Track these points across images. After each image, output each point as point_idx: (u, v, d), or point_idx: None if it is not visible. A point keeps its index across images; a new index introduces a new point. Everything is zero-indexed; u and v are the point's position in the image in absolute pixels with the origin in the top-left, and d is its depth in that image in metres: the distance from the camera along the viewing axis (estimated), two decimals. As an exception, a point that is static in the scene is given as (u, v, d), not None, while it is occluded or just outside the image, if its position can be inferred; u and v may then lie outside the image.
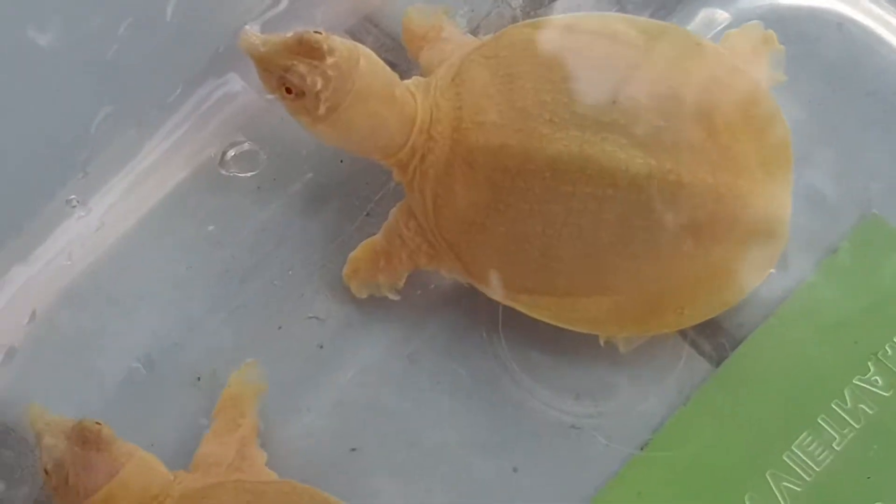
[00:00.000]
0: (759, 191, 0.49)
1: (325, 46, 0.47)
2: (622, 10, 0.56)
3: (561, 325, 0.50)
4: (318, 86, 0.47)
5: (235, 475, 0.46)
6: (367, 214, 0.53)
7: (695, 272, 0.49)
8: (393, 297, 0.51)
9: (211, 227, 0.53)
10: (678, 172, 0.48)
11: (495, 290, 0.50)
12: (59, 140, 0.51)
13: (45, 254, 0.52)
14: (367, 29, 0.56)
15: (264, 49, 0.47)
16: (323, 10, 0.55)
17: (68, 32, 0.49)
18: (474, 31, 0.55)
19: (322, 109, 0.47)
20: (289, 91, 0.47)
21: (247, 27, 0.48)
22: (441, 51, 0.52)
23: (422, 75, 0.52)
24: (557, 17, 0.52)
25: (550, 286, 0.49)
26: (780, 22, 0.54)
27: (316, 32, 0.47)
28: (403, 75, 0.53)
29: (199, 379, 0.51)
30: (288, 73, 0.46)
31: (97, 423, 0.44)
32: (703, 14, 0.56)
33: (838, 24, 0.55)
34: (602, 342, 0.50)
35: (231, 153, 0.54)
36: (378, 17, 0.56)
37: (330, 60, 0.47)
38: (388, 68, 0.49)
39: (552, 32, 0.50)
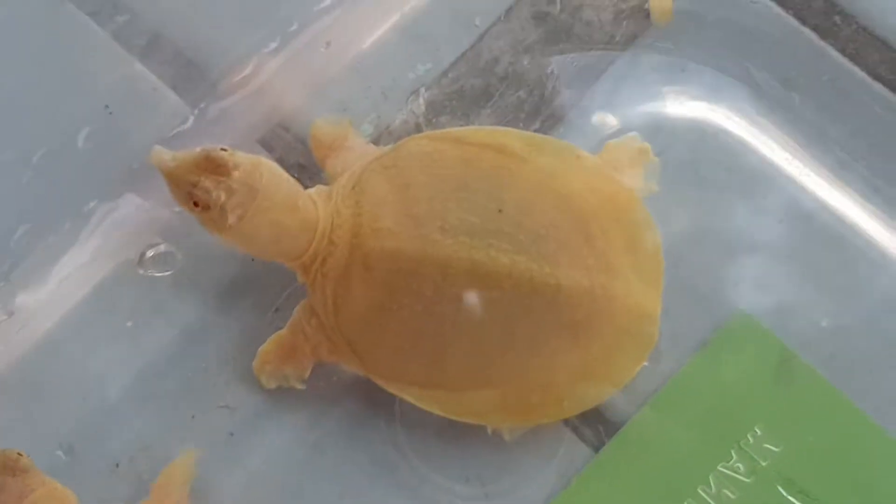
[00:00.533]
0: (632, 292, 0.52)
1: (230, 162, 0.49)
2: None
3: (449, 416, 0.52)
4: (223, 199, 0.49)
5: None
6: (276, 310, 0.56)
7: (574, 367, 0.52)
8: (299, 386, 0.54)
9: (129, 323, 0.55)
10: (557, 276, 0.50)
11: (389, 383, 0.52)
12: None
13: None
14: (280, 134, 0.59)
15: (173, 165, 0.49)
16: (236, 121, 0.58)
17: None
18: (380, 137, 0.58)
19: (230, 220, 0.49)
20: (196, 204, 0.49)
21: (157, 146, 0.50)
22: (345, 160, 0.55)
23: (326, 182, 0.55)
24: (451, 130, 0.55)
25: (440, 380, 0.52)
26: (659, 130, 0.58)
27: (222, 149, 0.49)
28: (314, 177, 0.57)
29: (117, 465, 0.53)
30: (195, 189, 0.49)
31: (18, 452, 0.48)
32: (596, 117, 0.60)
33: (714, 134, 0.58)
34: (490, 431, 0.53)
35: (149, 253, 0.56)
36: (289, 122, 0.59)
37: (235, 175, 0.49)
38: (291, 179, 0.52)
39: (445, 144, 0.53)
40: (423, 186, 0.52)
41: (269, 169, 0.51)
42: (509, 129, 0.56)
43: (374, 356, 0.52)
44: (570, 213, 0.52)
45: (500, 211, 0.51)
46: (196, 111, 0.59)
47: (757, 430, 0.53)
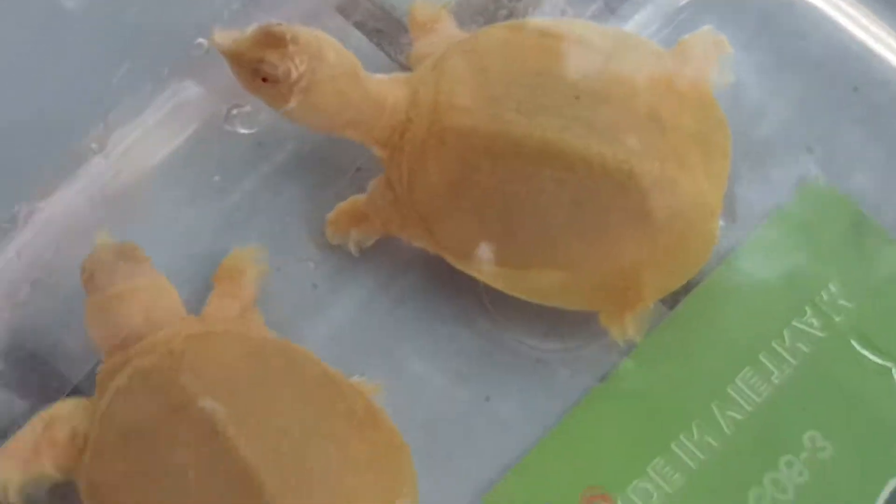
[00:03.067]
0: (699, 187, 0.53)
1: (289, 35, 0.51)
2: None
3: (514, 294, 0.54)
4: (290, 70, 0.51)
5: (239, 328, 0.52)
6: (358, 169, 0.58)
7: (639, 256, 0.53)
8: (355, 253, 0.56)
9: (216, 177, 0.57)
10: (630, 163, 0.51)
11: (458, 259, 0.54)
12: (84, 93, 0.55)
13: (66, 194, 0.57)
14: (358, 1, 0.61)
15: (234, 46, 0.51)
16: None
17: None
18: (459, 7, 0.60)
19: (298, 90, 0.51)
20: (264, 80, 0.51)
21: (217, 29, 0.52)
22: (432, 41, 0.57)
23: (412, 56, 0.57)
24: (531, 21, 0.57)
25: (506, 258, 0.54)
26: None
27: (279, 24, 0.51)
28: (393, 42, 0.60)
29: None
30: (262, 64, 0.51)
31: (136, 246, 0.52)
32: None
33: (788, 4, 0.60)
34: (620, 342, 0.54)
35: (234, 112, 0.58)
36: None
37: (294, 47, 0.51)
38: (350, 53, 0.53)
39: (524, 34, 0.55)
40: (502, 70, 0.53)
41: (328, 40, 0.53)
42: (589, 22, 0.58)
43: (445, 232, 0.54)
44: (645, 106, 0.53)
45: (577, 98, 0.52)
46: None
47: (831, 288, 0.55)
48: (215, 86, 0.58)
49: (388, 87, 0.54)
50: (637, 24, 0.60)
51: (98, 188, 0.57)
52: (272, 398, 0.49)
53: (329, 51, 0.52)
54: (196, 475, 0.48)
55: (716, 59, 0.56)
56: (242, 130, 0.58)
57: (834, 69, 0.59)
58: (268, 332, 0.53)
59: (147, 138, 0.58)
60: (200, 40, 0.57)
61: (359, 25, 0.60)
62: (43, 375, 0.56)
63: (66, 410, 0.51)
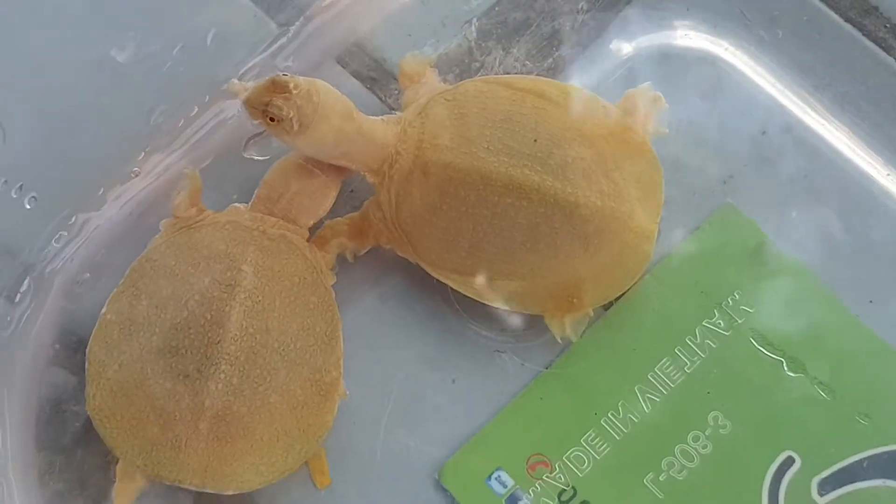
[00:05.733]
0: (635, 216, 0.61)
1: (291, 84, 0.58)
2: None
3: (480, 300, 0.62)
4: (291, 111, 0.58)
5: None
6: (352, 191, 0.66)
7: (583, 271, 0.61)
8: (351, 259, 0.64)
9: (234, 196, 0.65)
10: (576, 195, 0.59)
11: (434, 269, 0.62)
12: (129, 128, 0.64)
13: (112, 208, 0.65)
14: (355, 53, 0.69)
15: (248, 93, 0.59)
16: (319, 41, 0.68)
17: (138, 52, 0.61)
18: (438, 58, 0.68)
19: (296, 127, 0.58)
20: (272, 119, 0.59)
21: (233, 80, 0.62)
22: (419, 90, 0.64)
23: (403, 103, 0.64)
24: (501, 77, 0.64)
25: (474, 269, 0.61)
26: (666, 57, 0.69)
27: (283, 75, 0.59)
28: (384, 88, 0.68)
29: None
30: (268, 107, 0.58)
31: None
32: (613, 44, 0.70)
33: (711, 61, 0.69)
34: (559, 339, 0.62)
35: (252, 142, 0.67)
36: (363, 43, 0.70)
37: (295, 91, 0.58)
38: (344, 96, 0.60)
39: (495, 87, 0.63)
40: (476, 116, 0.61)
41: (324, 86, 0.60)
42: (550, 79, 0.66)
43: (424, 246, 0.62)
44: (592, 150, 0.60)
45: (535, 141, 0.60)
46: (289, 32, 0.69)
47: (736, 295, 0.64)
48: (235, 122, 0.67)
49: (379, 125, 0.61)
50: (581, 78, 0.69)
51: (137, 204, 0.66)
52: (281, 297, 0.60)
53: (324, 95, 0.59)
54: None
55: (653, 112, 0.64)
56: (257, 157, 0.67)
57: (746, 115, 0.68)
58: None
59: (178, 164, 0.66)
60: (224, 87, 0.65)
61: (355, 74, 0.69)
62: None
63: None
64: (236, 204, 0.63)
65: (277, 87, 0.59)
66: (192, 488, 0.59)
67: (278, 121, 0.59)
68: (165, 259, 0.61)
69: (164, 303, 0.59)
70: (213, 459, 0.59)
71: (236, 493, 0.60)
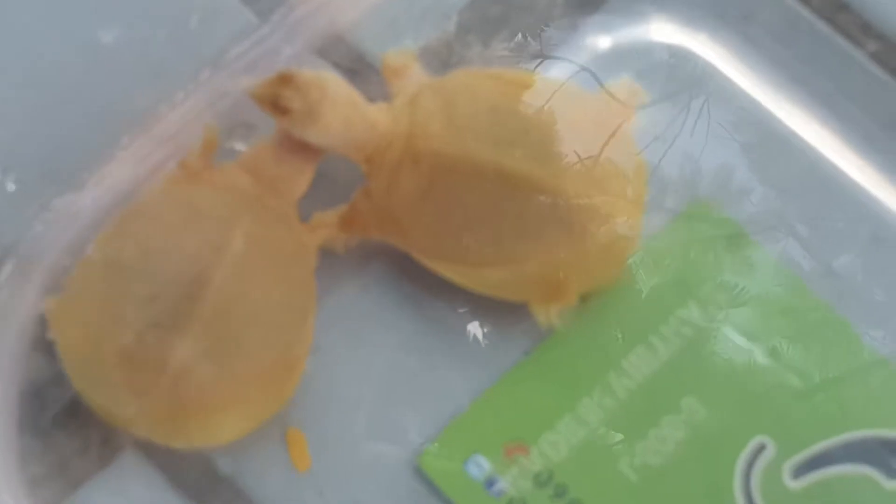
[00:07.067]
0: (619, 206, 0.62)
1: (298, 76, 0.60)
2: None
3: (468, 288, 0.63)
4: (300, 103, 0.60)
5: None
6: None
7: (568, 259, 0.62)
8: (340, 251, 0.65)
9: None
10: (564, 186, 0.61)
11: (424, 257, 0.63)
12: (112, 108, 0.65)
13: (97, 190, 0.66)
14: (335, 44, 0.70)
15: (257, 89, 0.61)
16: (300, 32, 0.69)
17: (122, 35, 0.63)
18: (419, 50, 0.69)
19: (308, 117, 0.60)
20: (282, 112, 0.60)
21: (243, 79, 0.63)
22: (405, 84, 0.66)
23: (389, 96, 0.65)
24: (488, 69, 0.66)
25: (463, 257, 0.62)
26: (644, 51, 0.70)
27: (289, 69, 0.61)
28: (365, 79, 0.68)
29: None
30: (279, 99, 0.60)
31: None
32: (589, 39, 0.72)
33: (684, 56, 0.71)
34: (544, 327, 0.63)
35: (236, 129, 0.67)
36: (343, 35, 0.70)
37: (303, 83, 0.60)
38: (348, 85, 0.62)
39: (482, 78, 0.65)
40: (465, 106, 0.62)
41: (331, 76, 0.62)
42: (535, 73, 0.68)
43: (414, 233, 0.63)
44: (578, 140, 0.62)
45: (522, 130, 0.62)
46: (269, 22, 0.69)
47: (711, 284, 0.65)
48: (219, 108, 0.67)
49: (380, 113, 0.63)
50: (560, 71, 0.69)
51: (120, 189, 0.66)
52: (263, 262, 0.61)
53: (331, 84, 0.61)
54: None
55: (634, 104, 0.66)
56: (238, 147, 0.67)
57: (721, 109, 0.70)
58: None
59: (161, 149, 0.66)
60: (203, 77, 0.66)
61: (335, 66, 0.69)
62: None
63: None
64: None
65: (285, 80, 0.61)
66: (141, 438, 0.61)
67: (288, 112, 0.61)
68: (160, 209, 0.62)
69: (151, 251, 0.60)
70: (169, 415, 0.59)
71: (184, 448, 0.61)
